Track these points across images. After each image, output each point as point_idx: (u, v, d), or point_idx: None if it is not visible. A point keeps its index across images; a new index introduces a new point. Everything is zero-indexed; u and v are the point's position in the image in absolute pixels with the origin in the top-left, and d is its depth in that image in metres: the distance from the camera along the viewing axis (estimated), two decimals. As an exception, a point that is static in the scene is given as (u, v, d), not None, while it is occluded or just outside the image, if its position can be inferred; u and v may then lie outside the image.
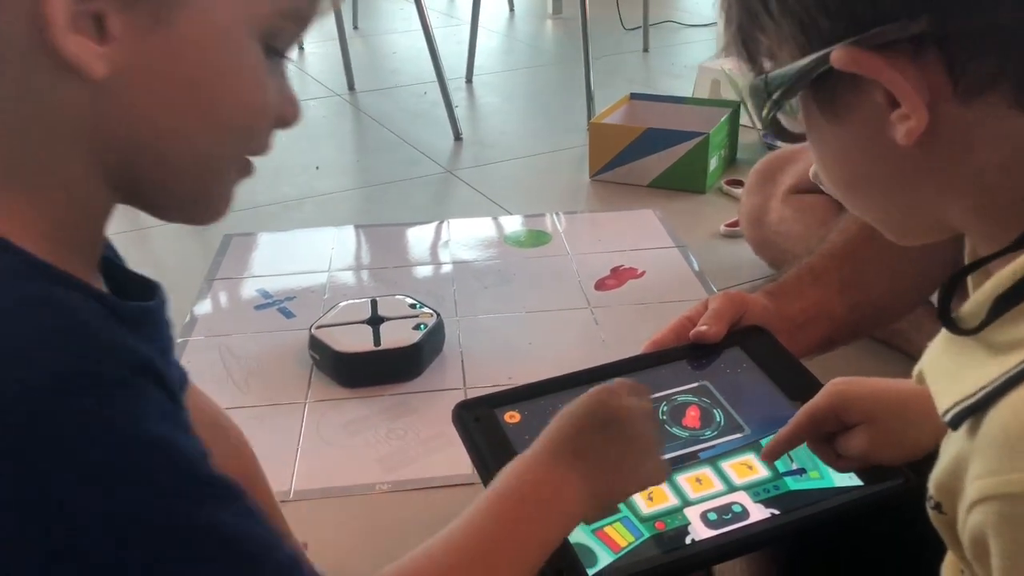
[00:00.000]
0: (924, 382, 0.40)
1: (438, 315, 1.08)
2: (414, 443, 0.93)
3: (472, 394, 0.98)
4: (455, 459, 0.87)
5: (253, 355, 1.09)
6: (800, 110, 0.41)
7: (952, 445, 0.36)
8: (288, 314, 1.19)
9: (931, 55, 0.34)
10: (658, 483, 0.54)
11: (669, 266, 1.30)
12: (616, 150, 1.61)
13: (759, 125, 0.43)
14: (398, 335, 1.03)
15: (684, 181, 1.57)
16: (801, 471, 0.65)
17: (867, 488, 0.63)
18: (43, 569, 0.32)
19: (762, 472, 0.65)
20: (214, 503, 0.35)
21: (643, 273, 1.29)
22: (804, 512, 0.62)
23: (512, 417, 0.69)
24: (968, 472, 0.34)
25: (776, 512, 0.62)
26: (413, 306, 1.10)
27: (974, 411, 0.34)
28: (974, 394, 0.34)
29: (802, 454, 0.65)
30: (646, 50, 2.53)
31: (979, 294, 0.36)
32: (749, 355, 0.75)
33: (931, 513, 0.39)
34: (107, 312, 0.37)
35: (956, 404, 0.35)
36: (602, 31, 2.50)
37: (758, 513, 0.62)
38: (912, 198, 0.39)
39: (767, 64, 0.40)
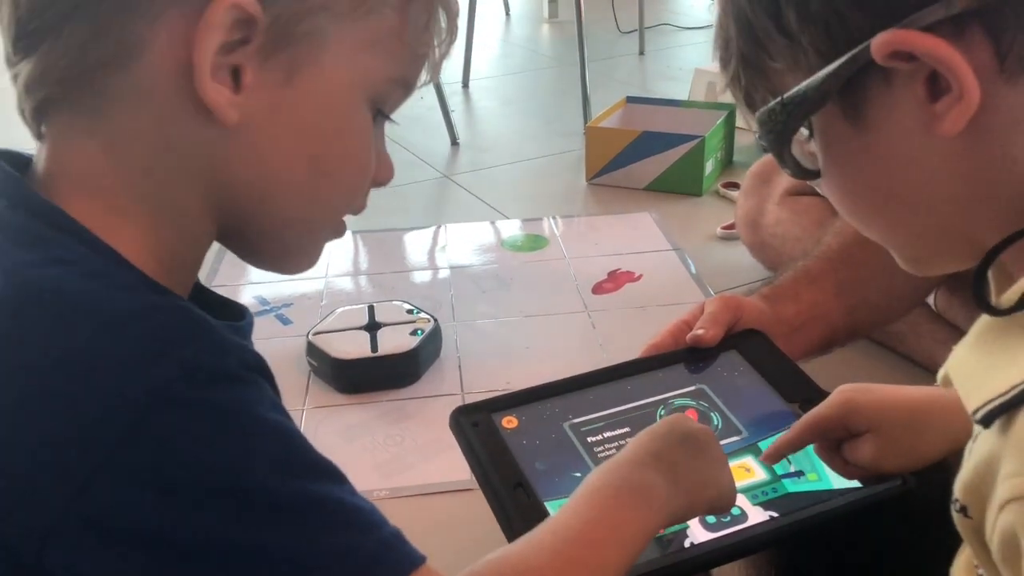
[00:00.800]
0: (950, 384, 0.39)
1: (435, 320, 1.08)
2: (412, 449, 0.93)
3: (470, 399, 0.99)
4: (453, 464, 0.87)
5: (250, 362, 1.09)
6: (817, 134, 0.39)
7: (982, 445, 0.36)
8: (285, 321, 1.19)
9: (975, 32, 0.33)
10: (731, 499, 0.54)
11: (666, 269, 1.31)
12: (612, 154, 1.61)
13: (778, 163, 0.42)
14: (395, 341, 1.03)
15: (680, 184, 1.57)
16: (799, 473, 0.65)
17: (865, 490, 0.63)
18: (192, 544, 0.35)
19: (760, 475, 0.65)
20: (329, 481, 0.39)
21: (640, 276, 1.29)
22: (802, 514, 0.61)
23: (510, 422, 0.69)
24: (1000, 471, 0.33)
25: (775, 514, 0.62)
26: (410, 311, 1.10)
27: (1007, 409, 0.34)
28: (1007, 392, 0.34)
29: (800, 457, 0.65)
30: (642, 53, 2.54)
31: (1021, 283, 0.35)
32: (746, 358, 0.75)
33: (956, 517, 0.38)
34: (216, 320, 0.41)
35: (988, 402, 0.35)
36: (598, 34, 2.51)
37: (757, 515, 0.62)
38: (945, 209, 0.38)
39: (770, 99, 0.39)
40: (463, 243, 1.42)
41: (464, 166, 1.80)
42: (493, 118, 2.17)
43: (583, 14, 1.92)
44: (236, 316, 0.47)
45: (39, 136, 0.43)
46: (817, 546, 0.64)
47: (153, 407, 0.35)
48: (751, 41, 0.39)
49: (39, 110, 0.42)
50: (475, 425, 0.68)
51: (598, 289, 1.26)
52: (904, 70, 0.35)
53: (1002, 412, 0.34)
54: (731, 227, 1.38)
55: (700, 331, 0.74)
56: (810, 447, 0.63)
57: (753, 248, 1.24)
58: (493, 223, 1.51)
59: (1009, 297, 0.36)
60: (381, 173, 0.49)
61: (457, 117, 2.03)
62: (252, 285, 1.28)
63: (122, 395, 0.35)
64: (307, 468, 0.38)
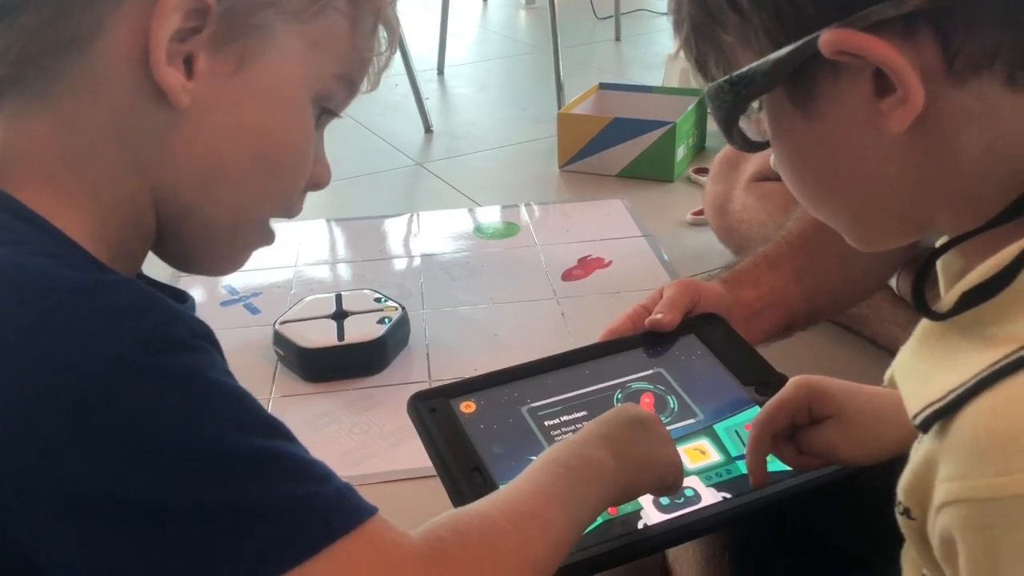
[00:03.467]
0: (896, 386, 0.39)
1: (403, 309, 1.08)
2: (377, 437, 0.93)
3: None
4: (419, 452, 0.86)
5: (218, 351, 1.08)
6: (767, 112, 0.39)
7: (922, 447, 0.36)
8: (253, 310, 1.19)
9: (924, 33, 0.33)
10: (677, 474, 0.55)
11: (636, 255, 1.31)
12: (584, 140, 1.61)
13: (725, 137, 0.41)
14: (362, 329, 1.03)
15: (652, 170, 1.57)
16: (753, 455, 0.66)
17: (818, 471, 0.63)
18: (157, 503, 0.36)
19: (715, 456, 0.66)
20: (282, 438, 0.40)
21: (610, 263, 1.29)
22: (756, 495, 0.62)
23: (468, 407, 0.69)
24: (937, 474, 0.34)
25: (728, 496, 0.62)
26: (378, 300, 1.09)
27: (944, 414, 0.34)
28: (943, 397, 0.34)
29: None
30: (618, 39, 2.54)
31: (960, 284, 0.35)
32: (703, 342, 0.75)
33: (900, 519, 0.39)
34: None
35: (926, 407, 0.35)
36: (574, 20, 2.50)
37: (710, 497, 0.63)
38: (894, 195, 0.38)
39: (718, 72, 0.39)
40: (435, 231, 1.42)
41: (437, 154, 1.80)
42: (468, 105, 2.16)
43: (556, 0, 1.92)
44: (179, 300, 0.48)
45: None
46: (770, 527, 0.65)
47: (112, 375, 0.36)
48: (703, 11, 0.38)
49: None
50: (432, 411, 0.68)
51: (568, 276, 1.26)
52: (852, 64, 0.34)
53: (939, 417, 0.34)
54: (701, 213, 1.38)
55: (658, 315, 0.75)
56: None
57: (720, 233, 1.25)
58: (465, 211, 1.51)
59: (947, 302, 0.36)
60: (318, 175, 0.50)
61: (432, 104, 2.02)
62: (221, 275, 1.28)
63: (81, 365, 0.36)
64: (260, 426, 0.39)
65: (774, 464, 0.64)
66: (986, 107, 0.34)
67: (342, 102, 0.49)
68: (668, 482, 0.55)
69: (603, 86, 1.77)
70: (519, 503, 0.45)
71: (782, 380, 0.70)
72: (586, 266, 1.29)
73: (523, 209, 1.49)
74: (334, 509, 0.39)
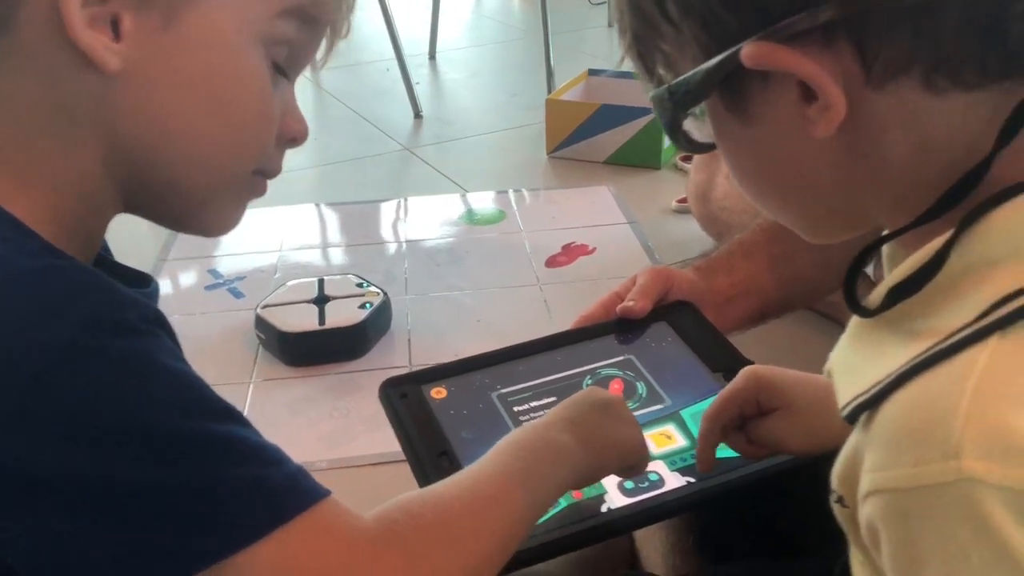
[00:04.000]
0: (833, 378, 0.40)
1: (385, 294, 1.09)
2: (357, 421, 0.94)
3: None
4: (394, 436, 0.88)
5: (201, 335, 1.09)
6: (708, 115, 0.40)
7: (852, 438, 0.37)
8: (237, 294, 1.19)
9: (842, 42, 0.34)
10: (641, 455, 0.56)
11: (620, 242, 1.32)
12: (572, 127, 1.61)
13: (671, 140, 0.42)
14: (343, 314, 1.04)
15: (639, 157, 1.58)
16: (718, 441, 0.67)
17: (780, 456, 0.64)
18: (104, 486, 0.37)
19: (680, 441, 0.67)
20: (233, 422, 0.40)
21: (594, 250, 1.30)
22: (719, 479, 0.63)
23: (439, 393, 0.70)
24: (863, 464, 0.35)
25: (691, 480, 0.63)
26: (360, 285, 1.10)
27: (868, 406, 0.35)
28: (869, 390, 0.35)
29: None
30: (611, 25, 2.53)
31: (887, 280, 0.36)
32: (674, 329, 0.76)
33: (835, 507, 0.39)
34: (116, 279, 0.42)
35: (853, 399, 0.36)
36: (567, 6, 2.50)
37: (674, 481, 0.64)
38: (831, 193, 0.39)
39: (667, 74, 0.39)
40: (422, 217, 1.43)
41: (427, 139, 1.80)
42: (458, 90, 2.16)
43: (549, -15, 1.91)
44: (142, 284, 0.48)
45: None
46: (734, 510, 0.66)
47: (58, 357, 0.36)
48: (641, 21, 0.39)
49: None
50: (403, 396, 0.69)
51: (551, 262, 1.27)
52: (779, 73, 0.35)
53: (864, 409, 0.35)
54: (685, 200, 1.39)
55: (630, 303, 0.76)
56: None
57: (702, 221, 1.26)
58: (453, 196, 1.51)
59: (874, 298, 0.37)
60: (291, 127, 0.48)
61: (422, 89, 2.02)
62: (207, 259, 1.29)
63: (26, 347, 0.37)
64: (210, 410, 0.39)
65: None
66: (907, 110, 0.35)
67: (302, 46, 0.47)
68: (632, 462, 0.55)
69: (592, 72, 1.77)
70: (475, 484, 0.46)
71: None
72: (570, 252, 1.29)
73: (511, 195, 1.49)
74: (284, 491, 0.39)
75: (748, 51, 0.34)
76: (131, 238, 1.42)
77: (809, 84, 0.34)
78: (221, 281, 1.23)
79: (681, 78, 0.38)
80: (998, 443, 0.30)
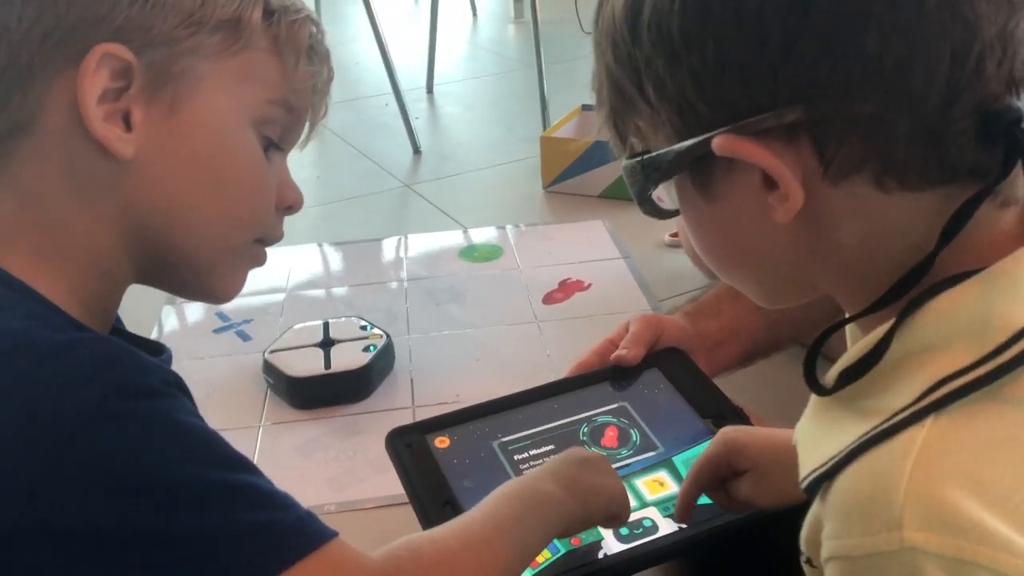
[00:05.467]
0: (797, 448, 0.44)
1: (387, 336, 1.13)
2: (363, 463, 0.97)
3: (420, 412, 1.03)
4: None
5: (210, 379, 1.12)
6: (675, 187, 0.43)
7: (814, 506, 0.41)
8: (245, 336, 1.23)
9: (803, 141, 0.37)
10: (623, 504, 0.59)
11: (615, 277, 1.35)
12: (567, 162, 1.65)
13: (639, 207, 0.46)
14: (348, 357, 1.08)
15: (633, 191, 1.61)
16: (709, 486, 0.70)
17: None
18: (132, 534, 0.40)
19: (672, 488, 0.70)
20: (246, 472, 0.44)
21: (589, 286, 1.33)
22: (710, 525, 0.66)
23: (442, 442, 0.74)
24: (823, 532, 0.38)
25: (683, 526, 0.67)
26: (364, 328, 1.14)
27: (824, 479, 0.38)
28: (825, 464, 0.38)
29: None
30: (604, 55, 2.58)
31: (838, 364, 0.39)
32: (666, 376, 0.80)
33: (805, 568, 0.44)
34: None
35: (812, 472, 0.39)
36: (561, 35, 2.54)
37: (667, 527, 0.67)
38: (786, 269, 0.42)
39: (639, 144, 0.43)
40: (421, 254, 1.46)
41: (426, 175, 1.84)
42: (456, 124, 2.21)
43: (544, 15, 1.95)
44: (157, 352, 0.53)
45: None
46: (724, 555, 0.69)
47: (90, 420, 0.41)
48: (619, 98, 0.42)
49: None
50: (408, 446, 0.72)
51: (548, 299, 1.30)
52: (744, 161, 0.38)
53: (822, 481, 0.39)
54: (677, 235, 1.42)
55: (623, 351, 0.79)
56: None
57: (693, 256, 1.29)
58: (451, 233, 1.55)
59: (829, 379, 0.40)
60: (288, 197, 0.54)
61: (420, 124, 2.06)
62: (214, 301, 1.32)
63: (61, 412, 0.40)
64: (227, 461, 0.44)
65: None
66: (859, 204, 0.38)
67: (289, 127, 0.53)
68: (615, 511, 0.59)
69: (584, 107, 1.81)
70: (470, 528, 0.50)
71: (737, 412, 0.74)
72: (566, 289, 1.33)
73: (508, 231, 1.53)
74: (294, 533, 0.43)
75: (718, 141, 0.38)
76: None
77: (771, 175, 0.38)
78: (228, 324, 1.26)
79: (653, 154, 0.41)
80: (935, 516, 0.34)
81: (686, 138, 0.39)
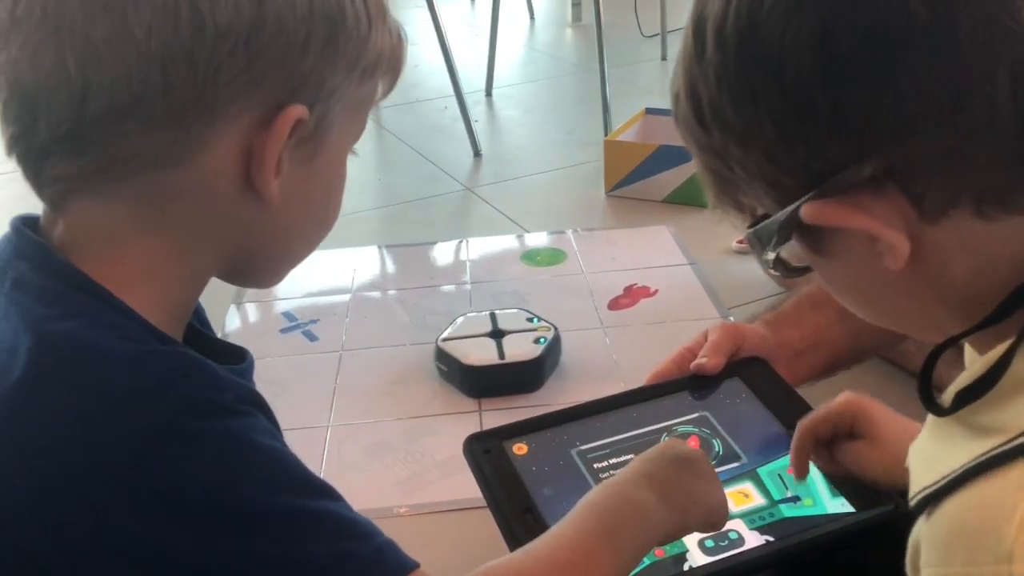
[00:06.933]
0: (909, 467, 0.43)
1: (555, 329, 1.12)
2: (431, 466, 0.97)
3: (487, 419, 1.03)
4: (469, 482, 0.90)
5: (278, 379, 1.13)
6: (800, 250, 0.43)
7: (915, 528, 0.40)
8: (312, 337, 1.24)
9: (890, 188, 0.37)
10: (722, 514, 0.57)
11: (681, 284, 1.33)
12: (630, 166, 1.64)
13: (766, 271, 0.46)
14: (520, 348, 1.08)
15: (698, 197, 1.59)
16: (796, 499, 0.68)
17: (859, 514, 0.66)
18: (203, 559, 0.40)
19: (758, 500, 0.69)
20: (325, 497, 0.43)
21: (656, 292, 1.32)
22: (798, 538, 0.65)
23: (520, 449, 0.73)
24: (921, 559, 0.38)
25: (771, 539, 0.65)
26: (530, 319, 1.14)
27: (932, 499, 0.38)
28: (936, 483, 0.38)
29: (797, 483, 0.68)
30: (664, 58, 2.55)
31: (955, 384, 0.39)
32: (748, 385, 0.78)
33: None
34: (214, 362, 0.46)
35: (922, 490, 0.39)
36: (620, 39, 2.53)
37: (753, 540, 0.65)
38: (910, 312, 0.42)
39: (759, 210, 0.43)
40: (483, 257, 1.46)
41: (486, 178, 1.84)
42: (516, 128, 2.20)
43: (603, 20, 1.93)
44: (238, 359, 0.53)
45: (54, 205, 0.47)
46: (812, 569, 0.67)
47: (160, 437, 0.40)
48: (717, 180, 0.43)
49: (65, 192, 0.46)
50: (487, 452, 0.72)
51: (614, 304, 1.29)
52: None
53: (929, 502, 0.38)
54: (744, 242, 1.40)
55: (703, 360, 0.78)
56: (811, 477, 0.66)
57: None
58: (513, 237, 1.54)
59: (945, 399, 0.40)
60: None
61: (480, 127, 2.06)
62: (280, 301, 1.33)
63: (131, 428, 0.40)
64: (303, 487, 0.43)
65: (819, 508, 0.67)
66: (964, 238, 0.37)
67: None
68: (714, 520, 0.57)
69: (649, 111, 1.79)
70: (556, 551, 0.48)
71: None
72: (632, 295, 1.31)
73: (570, 235, 1.52)
74: (372, 566, 0.42)
75: (806, 211, 0.38)
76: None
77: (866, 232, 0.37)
78: (295, 324, 1.27)
79: (763, 225, 0.41)
80: None
81: (783, 206, 0.40)
